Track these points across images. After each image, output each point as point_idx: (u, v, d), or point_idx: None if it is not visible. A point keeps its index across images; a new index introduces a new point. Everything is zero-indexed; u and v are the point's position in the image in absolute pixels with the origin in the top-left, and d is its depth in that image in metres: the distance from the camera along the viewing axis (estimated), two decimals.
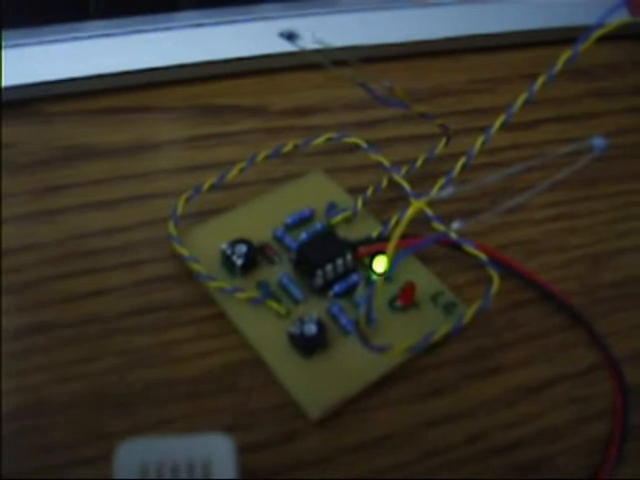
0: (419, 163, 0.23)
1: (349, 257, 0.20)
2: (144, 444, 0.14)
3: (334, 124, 0.25)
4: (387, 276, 0.21)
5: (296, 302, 0.20)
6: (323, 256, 0.20)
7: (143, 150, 0.23)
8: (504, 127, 0.21)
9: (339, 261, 0.20)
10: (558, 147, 0.26)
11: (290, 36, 0.18)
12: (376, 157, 0.22)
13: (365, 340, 0.17)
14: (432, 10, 0.27)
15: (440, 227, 0.21)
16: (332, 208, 0.22)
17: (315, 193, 0.23)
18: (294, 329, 0.19)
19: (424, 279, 0.21)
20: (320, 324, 0.19)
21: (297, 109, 0.26)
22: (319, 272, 0.20)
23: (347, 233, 0.21)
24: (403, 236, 0.17)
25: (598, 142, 0.20)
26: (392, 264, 0.17)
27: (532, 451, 0.19)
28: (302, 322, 0.19)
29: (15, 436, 0.17)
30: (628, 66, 0.29)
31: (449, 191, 0.21)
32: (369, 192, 0.22)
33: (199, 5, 0.25)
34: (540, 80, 0.21)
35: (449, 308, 0.20)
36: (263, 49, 0.26)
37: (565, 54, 0.21)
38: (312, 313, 0.19)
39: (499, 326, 0.21)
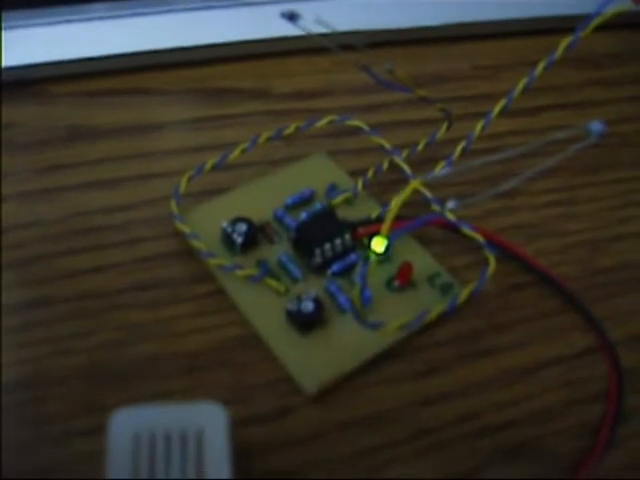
0: (420, 147, 0.23)
1: (347, 237, 0.20)
2: (138, 412, 0.14)
3: (338, 107, 0.25)
4: (386, 257, 0.21)
5: (295, 280, 0.20)
6: (322, 236, 0.20)
7: (145, 131, 0.24)
8: (504, 112, 0.21)
9: (337, 241, 0.20)
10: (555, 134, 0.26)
11: (291, 16, 0.18)
12: (377, 140, 0.23)
13: (359, 316, 0.17)
14: None
15: (438, 209, 0.22)
16: (333, 189, 0.22)
17: (317, 174, 0.23)
18: (292, 306, 0.19)
19: (422, 260, 0.21)
20: (317, 302, 0.19)
21: (300, 93, 0.26)
22: (317, 251, 0.20)
23: (347, 214, 0.22)
24: (402, 218, 0.18)
25: (595, 127, 0.20)
26: (389, 244, 0.18)
27: (522, 432, 0.19)
28: (300, 299, 0.19)
29: (14, 407, 0.18)
30: (629, 55, 0.29)
31: (446, 171, 0.21)
32: (370, 174, 0.22)
33: None
34: (540, 65, 0.21)
35: (445, 289, 0.20)
36: (266, 32, 0.26)
37: (565, 41, 0.21)
38: (310, 291, 0.19)
39: (495, 308, 0.21)
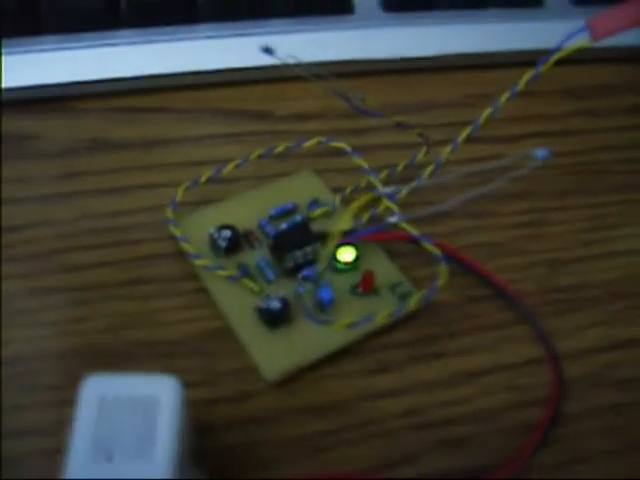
0: (400, 168, 0.26)
1: (318, 246, 0.23)
2: (106, 379, 0.17)
3: (329, 129, 0.28)
4: (353, 265, 0.23)
5: (269, 282, 0.23)
6: (294, 243, 0.23)
7: (156, 145, 0.27)
8: (470, 138, 0.23)
9: (308, 249, 0.23)
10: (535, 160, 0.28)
11: (267, 50, 0.20)
12: (357, 161, 0.25)
13: (310, 313, 0.19)
14: (424, 29, 0.29)
15: (408, 227, 0.24)
16: (314, 204, 0.25)
17: (301, 190, 0.25)
18: (261, 304, 0.22)
19: (387, 270, 0.23)
20: (284, 301, 0.22)
21: (299, 115, 0.28)
22: (289, 256, 0.22)
23: (324, 226, 0.24)
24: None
25: (540, 153, 0.22)
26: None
27: (462, 429, 0.21)
28: (269, 298, 0.22)
29: (9, 379, 0.21)
30: (618, 87, 0.30)
31: (397, 188, 0.23)
32: (347, 191, 0.25)
33: (215, 19, 0.28)
34: (504, 96, 0.23)
35: (404, 297, 0.23)
36: (272, 60, 0.29)
37: (527, 74, 0.23)
38: (279, 292, 0.22)
39: (452, 317, 0.23)
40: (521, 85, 0.23)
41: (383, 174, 0.25)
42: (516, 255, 0.25)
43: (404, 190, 0.24)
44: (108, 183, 0.25)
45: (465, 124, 0.30)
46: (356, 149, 0.25)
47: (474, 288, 0.24)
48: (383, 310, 0.21)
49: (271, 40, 0.29)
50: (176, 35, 0.29)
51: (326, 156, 0.26)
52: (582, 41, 0.22)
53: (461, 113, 0.29)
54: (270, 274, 0.23)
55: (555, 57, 0.23)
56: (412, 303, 0.21)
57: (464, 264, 0.24)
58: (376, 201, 0.24)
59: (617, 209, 0.26)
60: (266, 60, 0.29)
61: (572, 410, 0.21)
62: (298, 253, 0.22)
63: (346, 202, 0.25)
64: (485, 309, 0.23)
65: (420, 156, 0.26)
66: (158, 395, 0.17)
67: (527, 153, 0.22)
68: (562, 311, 0.23)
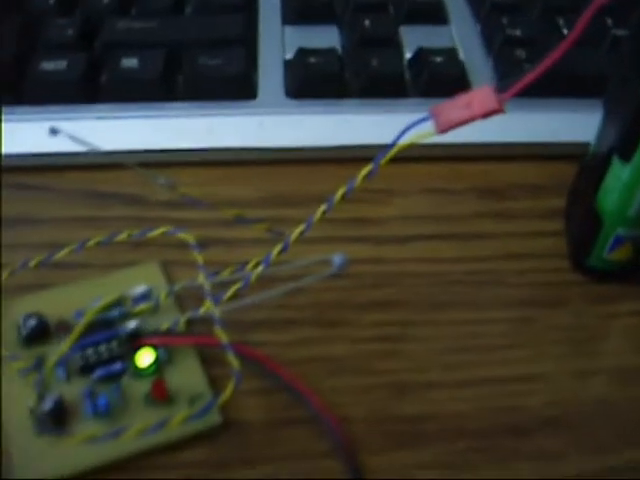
0: (249, 266, 0.23)
1: (115, 344, 0.21)
2: None
3: (202, 219, 0.26)
4: (149, 369, 0.21)
5: (59, 379, 0.21)
6: (93, 340, 0.21)
7: (19, 224, 0.26)
8: (301, 238, 0.21)
9: (102, 347, 0.20)
10: (418, 265, 0.25)
11: (53, 131, 0.19)
12: (196, 256, 0.23)
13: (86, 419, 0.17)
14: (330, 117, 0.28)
15: (219, 332, 0.21)
16: (141, 298, 0.23)
17: (138, 282, 0.23)
18: (33, 403, 0.20)
19: (192, 377, 0.21)
20: (58, 403, 0.19)
21: (175, 202, 0.27)
22: (79, 353, 0.20)
23: (148, 322, 0.22)
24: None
25: (338, 259, 0.19)
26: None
27: None
28: (43, 398, 0.20)
29: None
30: (543, 188, 0.27)
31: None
32: (177, 287, 0.23)
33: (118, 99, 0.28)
34: (339, 193, 0.21)
35: (203, 411, 0.19)
36: (158, 144, 0.27)
37: (365, 169, 0.20)
38: (55, 392, 0.20)
39: (253, 440, 0.20)
40: (358, 180, 0.21)
41: (226, 271, 0.23)
42: (360, 374, 0.21)
43: (230, 291, 0.22)
44: None
45: (355, 221, 0.27)
46: (217, 241, 0.23)
47: (291, 409, 0.20)
48: (171, 423, 0.19)
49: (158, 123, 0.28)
50: (68, 115, 0.28)
51: (174, 247, 0.24)
52: (423, 134, 0.20)
53: (354, 209, 0.26)
54: (60, 371, 0.21)
55: (393, 152, 0.20)
56: (177, 420, 0.18)
57: (284, 380, 0.21)
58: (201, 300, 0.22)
59: (499, 328, 0.23)
60: (157, 143, 0.29)
61: None
62: (90, 351, 0.20)
63: (184, 299, 0.23)
64: (295, 435, 0.20)
65: (274, 255, 0.23)
66: None
67: (325, 258, 0.19)
68: (391, 447, 0.20)
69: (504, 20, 0.31)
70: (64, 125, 0.28)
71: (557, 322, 0.23)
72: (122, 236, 0.24)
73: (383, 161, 0.20)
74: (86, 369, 0.20)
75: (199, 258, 0.23)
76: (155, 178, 0.20)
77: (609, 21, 0.32)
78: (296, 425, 0.20)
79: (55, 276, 0.24)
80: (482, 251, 0.25)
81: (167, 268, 0.24)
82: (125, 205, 0.27)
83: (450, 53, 0.30)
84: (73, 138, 0.19)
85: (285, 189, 0.27)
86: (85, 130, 0.28)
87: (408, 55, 0.30)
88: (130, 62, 0.29)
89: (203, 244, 0.24)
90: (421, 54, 0.30)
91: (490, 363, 0.22)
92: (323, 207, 0.21)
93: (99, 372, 0.20)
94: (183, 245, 0.24)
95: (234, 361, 0.20)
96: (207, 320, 0.21)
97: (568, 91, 0.29)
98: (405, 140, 0.20)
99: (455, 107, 0.20)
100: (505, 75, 0.30)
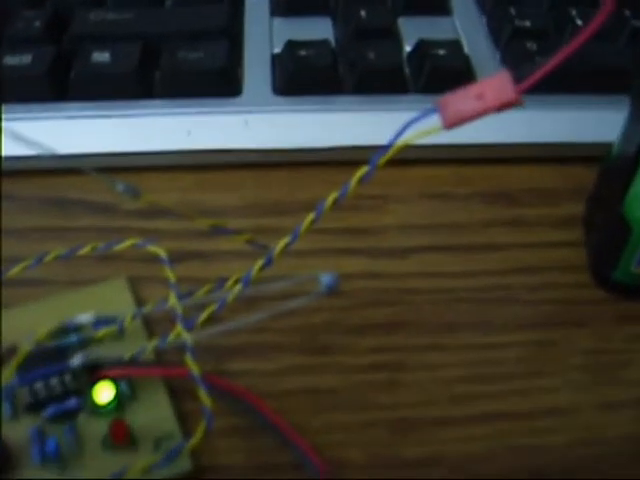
0: (228, 284, 0.21)
1: (69, 377, 0.18)
2: None
3: (176, 229, 0.23)
4: (109, 406, 0.18)
5: (6, 418, 0.18)
6: (43, 373, 0.18)
7: None
8: (288, 249, 0.18)
9: (55, 380, 0.18)
10: (419, 281, 0.22)
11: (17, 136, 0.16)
12: (168, 272, 0.20)
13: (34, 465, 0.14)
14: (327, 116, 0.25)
15: (190, 363, 0.18)
16: (105, 321, 0.20)
17: (102, 301, 0.20)
18: None
19: (160, 415, 0.18)
20: (0, 446, 0.17)
21: (148, 211, 0.24)
22: (31, 389, 0.18)
23: (109, 350, 0.19)
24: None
25: (326, 279, 0.16)
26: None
27: None
28: None
29: None
30: (556, 193, 0.24)
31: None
32: (147, 308, 0.20)
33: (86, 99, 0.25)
34: (330, 198, 0.18)
35: (170, 456, 0.17)
36: (132, 146, 0.25)
37: (359, 172, 0.18)
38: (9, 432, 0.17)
39: None
40: (353, 184, 0.18)
41: (202, 290, 0.20)
42: (355, 409, 0.19)
43: (204, 314, 0.19)
44: None
45: (349, 231, 0.24)
46: (191, 255, 0.21)
47: (274, 452, 0.17)
48: (133, 471, 0.16)
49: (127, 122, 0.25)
50: (33, 114, 0.25)
51: (145, 261, 0.21)
52: (429, 129, 0.17)
53: (347, 217, 0.24)
54: (7, 407, 0.18)
55: (390, 153, 0.17)
56: (177, 465, 0.16)
57: (266, 417, 0.18)
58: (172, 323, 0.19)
59: (513, 353, 0.20)
60: (130, 145, 0.26)
61: None
62: (38, 385, 0.17)
63: (146, 321, 0.20)
64: None
65: (255, 271, 0.20)
66: None
67: (314, 276, 0.16)
68: None
69: (512, 10, 0.28)
70: (29, 126, 0.26)
71: (579, 346, 0.20)
72: (85, 249, 0.21)
73: (380, 162, 0.17)
74: (35, 406, 0.18)
75: (171, 275, 0.20)
76: (114, 184, 0.17)
77: (627, 12, 0.29)
78: (280, 472, 0.17)
79: (9, 295, 0.21)
80: (491, 264, 0.22)
81: (135, 285, 0.21)
82: (91, 214, 0.24)
83: (454, 45, 0.27)
84: (18, 138, 0.16)
85: (270, 196, 0.24)
86: (52, 130, 0.25)
87: (408, 48, 0.27)
88: (102, 56, 0.26)
89: (176, 258, 0.21)
90: (422, 46, 0.27)
91: (505, 395, 0.19)
92: (312, 215, 0.18)
93: (50, 410, 0.18)
94: (154, 259, 0.21)
95: (205, 398, 0.17)
96: (179, 347, 0.19)
97: (582, 87, 0.27)
98: (406, 138, 0.17)
99: (465, 98, 0.17)
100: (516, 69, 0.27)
